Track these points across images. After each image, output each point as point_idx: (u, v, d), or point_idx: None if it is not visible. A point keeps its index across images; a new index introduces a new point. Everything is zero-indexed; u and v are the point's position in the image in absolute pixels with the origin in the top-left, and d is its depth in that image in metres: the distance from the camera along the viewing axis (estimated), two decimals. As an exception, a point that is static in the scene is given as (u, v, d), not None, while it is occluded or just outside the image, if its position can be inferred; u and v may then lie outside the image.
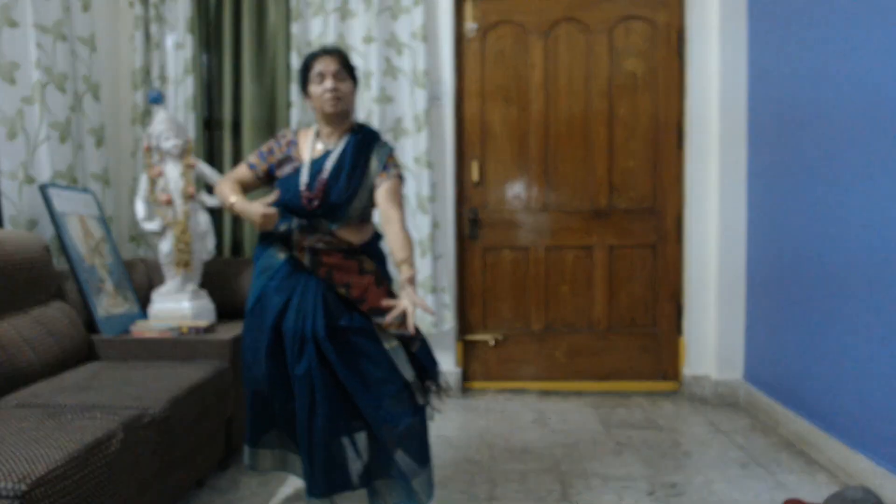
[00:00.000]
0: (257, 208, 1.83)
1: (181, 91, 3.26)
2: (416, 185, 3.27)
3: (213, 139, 3.41)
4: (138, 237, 3.31)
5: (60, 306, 2.38)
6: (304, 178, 1.88)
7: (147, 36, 3.30)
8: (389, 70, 3.28)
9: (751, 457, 2.57)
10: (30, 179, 2.63)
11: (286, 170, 1.94)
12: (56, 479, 1.36)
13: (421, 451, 1.89)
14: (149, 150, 2.71)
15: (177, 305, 2.71)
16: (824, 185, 2.49)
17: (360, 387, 1.80)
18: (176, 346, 2.42)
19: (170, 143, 2.69)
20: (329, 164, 1.89)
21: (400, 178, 1.96)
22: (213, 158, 3.40)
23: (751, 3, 3.15)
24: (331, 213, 1.87)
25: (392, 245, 1.85)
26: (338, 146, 1.92)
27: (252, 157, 2.01)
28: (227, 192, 1.92)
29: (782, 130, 2.84)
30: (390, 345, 1.86)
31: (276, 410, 1.90)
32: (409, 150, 3.28)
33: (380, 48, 3.24)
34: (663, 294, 3.49)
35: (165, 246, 2.73)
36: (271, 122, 3.37)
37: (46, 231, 2.66)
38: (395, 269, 1.91)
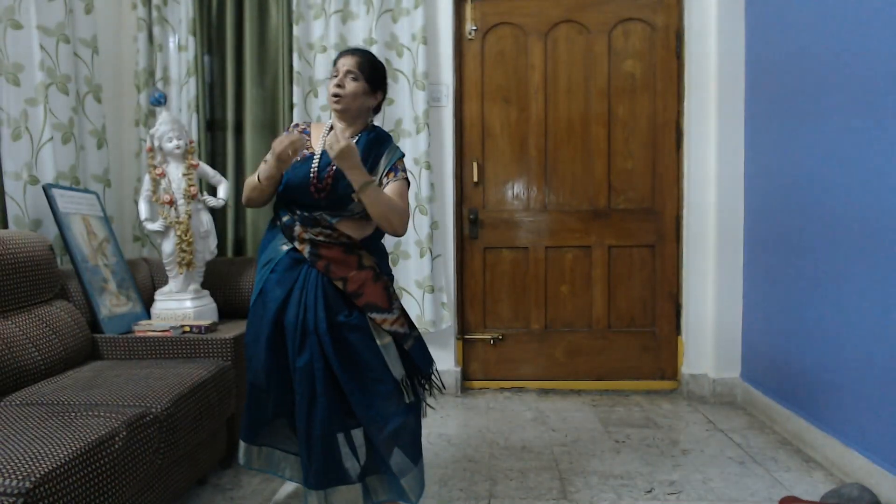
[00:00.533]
0: (277, 145, 1.78)
1: (184, 92, 3.29)
2: (415, 185, 3.29)
3: (216, 140, 3.43)
4: (142, 237, 3.34)
5: (64, 306, 2.40)
6: (314, 167, 1.88)
7: (150, 38, 3.32)
8: (390, 72, 3.30)
9: (748, 455, 2.59)
10: (34, 180, 2.66)
11: (296, 158, 1.95)
12: (59, 476, 1.38)
13: (413, 449, 1.90)
14: (152, 150, 2.73)
15: (179, 305, 2.73)
16: (821, 185, 2.50)
17: (354, 385, 1.81)
18: (178, 346, 2.43)
19: (172, 144, 2.72)
20: None
21: (407, 182, 1.97)
22: (216, 159, 3.42)
23: (748, 4, 3.17)
24: (335, 206, 1.87)
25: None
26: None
27: (269, 156, 1.98)
28: (251, 179, 1.90)
29: (781, 131, 2.85)
30: (382, 341, 1.86)
31: (273, 404, 1.90)
32: (409, 151, 3.30)
33: (380, 50, 3.26)
34: (662, 294, 3.51)
35: (168, 246, 2.75)
36: (273, 124, 3.39)
37: (50, 231, 2.69)
38: (394, 267, 1.90)
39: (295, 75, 3.27)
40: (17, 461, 1.37)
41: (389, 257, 3.29)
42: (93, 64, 2.99)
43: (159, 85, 3.32)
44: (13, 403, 1.86)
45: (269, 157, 1.81)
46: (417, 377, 1.95)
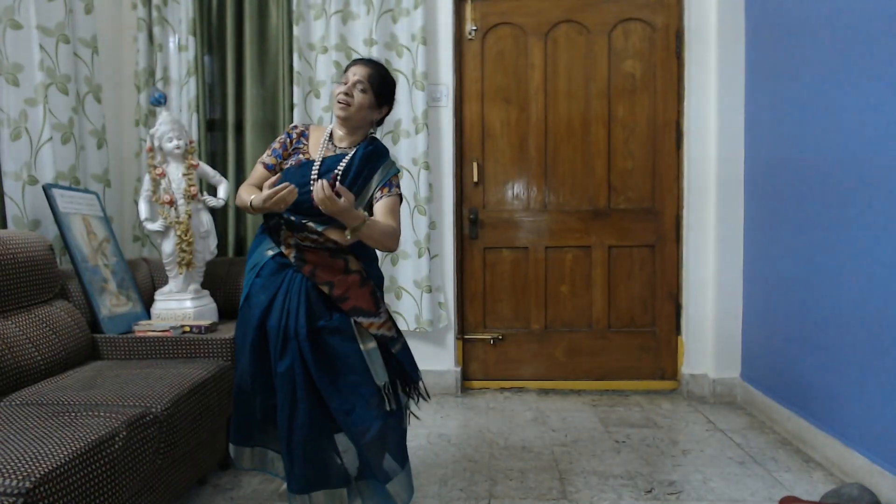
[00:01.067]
0: (276, 191, 1.69)
1: (184, 92, 3.29)
2: (413, 185, 3.29)
3: (216, 140, 3.44)
4: (142, 237, 3.34)
5: (64, 306, 2.40)
6: (314, 173, 1.87)
7: (150, 38, 3.33)
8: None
9: (748, 455, 2.59)
10: (32, 180, 2.66)
11: (291, 161, 1.93)
12: (59, 476, 1.38)
13: (398, 453, 1.88)
14: (152, 150, 2.73)
15: (179, 305, 2.73)
16: (822, 186, 2.50)
17: (332, 390, 1.79)
18: (178, 346, 2.43)
19: (172, 144, 2.72)
20: (341, 167, 1.89)
21: (399, 198, 1.95)
22: (216, 159, 3.43)
23: (748, 4, 3.17)
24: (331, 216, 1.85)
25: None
26: (348, 152, 1.92)
27: (267, 157, 1.97)
28: (245, 198, 1.84)
29: (782, 131, 2.85)
30: (366, 346, 1.84)
31: (258, 407, 1.89)
32: (408, 151, 3.30)
33: (380, 51, 3.26)
34: (662, 294, 3.51)
35: (168, 246, 2.75)
36: (273, 124, 3.39)
37: (50, 231, 2.69)
38: (382, 268, 1.88)
39: (295, 75, 3.27)
40: (17, 461, 1.37)
41: (389, 257, 3.33)
42: (93, 64, 2.99)
43: (159, 85, 3.32)
44: (13, 403, 1.86)
45: (260, 199, 1.71)
46: (403, 384, 1.93)
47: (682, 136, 3.42)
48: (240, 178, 3.38)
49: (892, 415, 2.07)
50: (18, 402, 1.87)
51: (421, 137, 3.27)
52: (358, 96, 1.89)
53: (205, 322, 2.62)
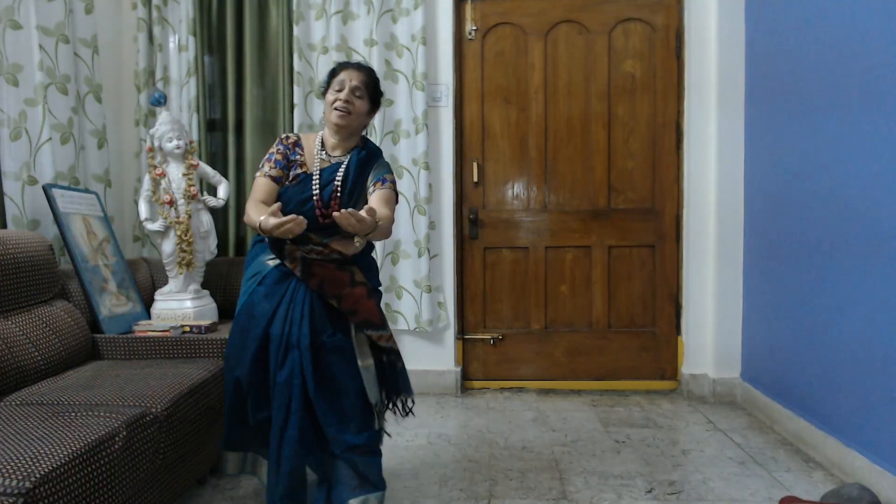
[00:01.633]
0: (283, 222, 1.64)
1: (184, 92, 3.29)
2: (413, 186, 3.29)
3: (216, 140, 3.44)
4: (142, 237, 3.34)
5: (64, 306, 2.40)
6: (315, 191, 1.87)
7: (150, 38, 3.33)
8: (390, 73, 3.30)
9: (748, 455, 2.59)
10: (32, 180, 2.66)
11: (290, 175, 1.93)
12: (59, 476, 1.38)
13: (377, 472, 1.86)
14: (152, 150, 2.74)
15: (179, 305, 2.74)
16: (821, 185, 2.50)
17: (325, 404, 1.78)
18: (178, 346, 2.44)
19: (172, 144, 2.72)
20: (339, 178, 1.89)
21: (395, 192, 1.95)
22: (216, 159, 3.43)
23: (748, 4, 3.17)
24: (333, 227, 1.79)
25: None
26: (343, 160, 1.92)
27: (272, 171, 1.90)
28: (254, 217, 1.76)
29: (781, 130, 2.85)
30: (365, 363, 1.84)
31: (250, 415, 1.86)
32: (408, 151, 3.30)
33: (380, 51, 3.26)
34: (662, 294, 3.51)
35: (168, 246, 2.76)
36: (273, 124, 3.39)
37: (49, 231, 2.69)
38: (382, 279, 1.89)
39: (295, 76, 3.27)
40: (17, 461, 1.37)
41: (389, 257, 3.33)
42: (93, 64, 2.99)
43: (159, 85, 3.32)
44: (13, 403, 1.86)
45: (269, 225, 1.65)
46: (395, 400, 1.93)
47: (682, 136, 3.42)
48: (240, 179, 3.38)
49: (891, 415, 2.07)
50: (18, 402, 1.87)
51: (421, 137, 3.28)
52: (357, 103, 1.89)
53: (205, 322, 2.62)
